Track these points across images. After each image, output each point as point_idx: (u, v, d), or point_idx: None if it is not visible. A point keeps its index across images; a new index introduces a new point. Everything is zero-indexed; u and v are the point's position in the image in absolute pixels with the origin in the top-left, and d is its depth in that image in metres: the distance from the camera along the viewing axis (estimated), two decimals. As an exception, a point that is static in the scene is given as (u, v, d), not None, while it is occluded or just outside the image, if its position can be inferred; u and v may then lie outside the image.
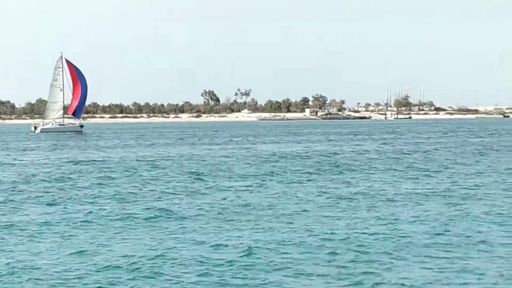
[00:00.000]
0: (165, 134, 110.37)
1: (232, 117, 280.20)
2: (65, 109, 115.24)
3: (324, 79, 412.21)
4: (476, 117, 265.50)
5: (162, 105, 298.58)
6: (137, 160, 47.37)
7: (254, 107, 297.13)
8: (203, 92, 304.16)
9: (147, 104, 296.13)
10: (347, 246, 16.88)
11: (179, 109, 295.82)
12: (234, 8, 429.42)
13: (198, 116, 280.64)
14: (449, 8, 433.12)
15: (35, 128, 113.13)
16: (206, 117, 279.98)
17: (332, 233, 18.52)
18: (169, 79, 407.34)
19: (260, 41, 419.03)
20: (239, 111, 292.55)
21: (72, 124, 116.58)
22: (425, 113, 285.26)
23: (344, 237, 17.92)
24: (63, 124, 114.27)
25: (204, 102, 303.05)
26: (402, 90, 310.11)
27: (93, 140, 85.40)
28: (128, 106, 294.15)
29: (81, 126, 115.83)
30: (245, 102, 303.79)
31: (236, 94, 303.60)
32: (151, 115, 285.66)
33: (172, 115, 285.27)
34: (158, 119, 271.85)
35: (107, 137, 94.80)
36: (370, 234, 18.43)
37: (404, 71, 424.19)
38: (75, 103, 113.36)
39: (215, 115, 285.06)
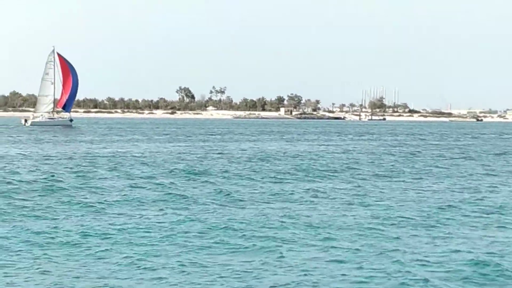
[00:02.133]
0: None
1: (207, 114, 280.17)
2: (55, 102, 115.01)
3: (300, 79, 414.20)
4: (450, 120, 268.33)
5: (136, 100, 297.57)
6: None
7: (229, 105, 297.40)
8: (178, 88, 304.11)
9: (121, 99, 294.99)
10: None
11: (153, 105, 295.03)
12: (213, 5, 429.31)
13: (172, 113, 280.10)
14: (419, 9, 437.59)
15: (26, 121, 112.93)
16: (181, 113, 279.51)
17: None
18: (144, 75, 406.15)
19: (237, 40, 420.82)
20: (215, 108, 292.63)
21: (62, 118, 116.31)
22: (399, 115, 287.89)
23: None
24: (53, 118, 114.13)
25: (179, 98, 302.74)
26: (377, 91, 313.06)
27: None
28: (103, 101, 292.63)
29: (71, 120, 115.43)
30: (220, 100, 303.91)
31: (211, 91, 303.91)
32: (126, 110, 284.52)
33: (146, 111, 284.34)
34: (132, 115, 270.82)
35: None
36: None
37: (379, 73, 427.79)
38: (65, 97, 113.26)
39: (190, 112, 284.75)
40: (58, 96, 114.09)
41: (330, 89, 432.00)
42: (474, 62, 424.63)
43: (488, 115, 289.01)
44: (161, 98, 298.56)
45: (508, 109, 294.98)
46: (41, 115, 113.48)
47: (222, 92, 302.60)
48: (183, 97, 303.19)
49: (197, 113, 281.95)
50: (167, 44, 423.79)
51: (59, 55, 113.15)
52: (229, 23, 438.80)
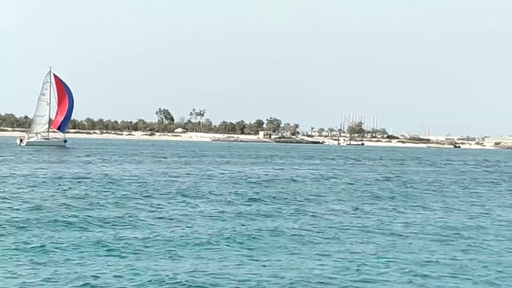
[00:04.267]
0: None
1: (185, 136, 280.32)
2: (50, 123, 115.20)
3: (279, 103, 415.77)
4: (428, 146, 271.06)
5: (115, 121, 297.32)
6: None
7: (209, 128, 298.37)
8: (158, 110, 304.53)
9: (100, 120, 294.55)
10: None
11: (132, 127, 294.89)
12: (190, 26, 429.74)
13: (151, 134, 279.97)
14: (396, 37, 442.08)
15: (21, 141, 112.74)
16: (160, 135, 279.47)
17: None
18: (124, 96, 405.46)
19: (216, 62, 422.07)
20: (193, 131, 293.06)
21: (57, 138, 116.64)
22: (378, 140, 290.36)
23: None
24: (47, 138, 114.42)
25: (158, 120, 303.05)
26: (356, 116, 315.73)
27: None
28: (81, 121, 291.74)
29: (65, 141, 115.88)
30: (199, 122, 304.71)
31: (191, 113, 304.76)
32: (104, 131, 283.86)
33: (125, 132, 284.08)
34: (111, 136, 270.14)
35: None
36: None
37: (359, 97, 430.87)
38: (61, 118, 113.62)
39: (169, 134, 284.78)
40: (52, 117, 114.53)
41: (309, 113, 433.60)
42: (454, 90, 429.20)
43: (466, 141, 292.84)
44: (140, 120, 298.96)
45: (486, 136, 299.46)
46: (36, 135, 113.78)
47: (202, 114, 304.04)
48: (162, 119, 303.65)
49: (176, 135, 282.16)
50: (147, 65, 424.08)
51: (55, 76, 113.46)
52: (210, 46, 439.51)
